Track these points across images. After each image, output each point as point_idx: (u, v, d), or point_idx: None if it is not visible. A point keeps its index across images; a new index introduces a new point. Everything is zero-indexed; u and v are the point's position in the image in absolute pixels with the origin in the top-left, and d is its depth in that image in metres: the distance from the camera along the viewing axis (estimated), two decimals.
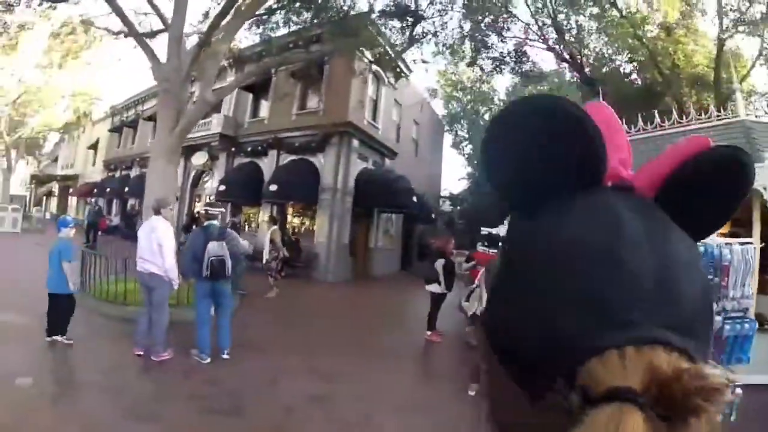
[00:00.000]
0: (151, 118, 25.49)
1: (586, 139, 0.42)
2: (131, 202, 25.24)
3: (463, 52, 18.07)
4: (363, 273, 16.84)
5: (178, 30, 10.13)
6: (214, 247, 5.65)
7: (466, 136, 35.72)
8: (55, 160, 44.74)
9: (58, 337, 5.82)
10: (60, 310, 5.88)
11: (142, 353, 5.67)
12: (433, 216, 21.61)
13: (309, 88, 17.01)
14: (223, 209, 7.28)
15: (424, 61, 15.93)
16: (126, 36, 12.88)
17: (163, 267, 5.68)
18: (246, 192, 16.12)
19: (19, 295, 8.41)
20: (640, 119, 9.28)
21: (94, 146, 34.13)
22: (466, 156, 36.84)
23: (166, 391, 4.91)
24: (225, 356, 5.86)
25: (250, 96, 18.77)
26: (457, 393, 5.28)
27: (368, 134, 16.70)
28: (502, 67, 18.85)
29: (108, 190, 26.94)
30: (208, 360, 5.68)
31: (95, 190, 29.51)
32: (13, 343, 5.78)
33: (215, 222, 6.08)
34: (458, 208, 29.88)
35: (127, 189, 24.55)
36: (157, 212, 5.96)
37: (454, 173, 68.09)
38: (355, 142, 15.83)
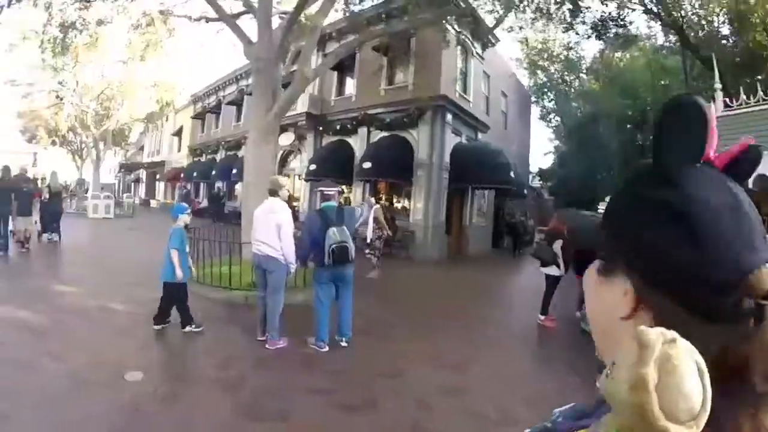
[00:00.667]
0: (233, 103, 26.20)
1: (710, 129, 0.60)
2: (218, 184, 26.04)
3: (561, 16, 17.03)
4: (457, 252, 16.59)
5: (267, 8, 10.15)
6: (334, 234, 5.25)
7: (554, 107, 34.18)
8: (141, 148, 47.15)
9: (188, 327, 5.79)
10: (174, 300, 5.82)
11: (264, 338, 5.55)
12: (525, 192, 20.84)
13: (396, 62, 16.68)
14: (339, 188, 6.52)
15: (519, 28, 15.19)
16: (207, 21, 12.95)
17: (280, 250, 5.45)
18: (337, 170, 16.08)
19: (118, 281, 8.71)
20: (741, 91, 8.35)
21: (178, 133, 35.60)
22: (554, 128, 35.39)
23: (287, 385, 4.53)
24: (344, 344, 5.58)
25: (335, 73, 18.60)
26: (583, 384, 4.73)
27: (461, 107, 16.25)
28: (602, 31, 17.59)
29: (195, 174, 28.01)
30: (326, 349, 5.40)
31: (182, 175, 30.85)
32: (119, 334, 5.69)
33: (332, 203, 5.65)
34: (548, 183, 28.75)
35: (213, 172, 25.35)
36: (274, 194, 5.68)
37: (541, 147, 66.49)
38: (449, 116, 15.42)
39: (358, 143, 16.86)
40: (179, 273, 5.71)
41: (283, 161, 20.92)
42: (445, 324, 7.25)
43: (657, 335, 0.47)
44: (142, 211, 30.36)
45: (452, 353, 5.74)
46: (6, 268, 9.87)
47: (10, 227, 11.18)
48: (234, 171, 22.26)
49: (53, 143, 43.61)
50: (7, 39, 33.76)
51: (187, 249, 6.03)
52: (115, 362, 4.67)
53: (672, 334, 0.47)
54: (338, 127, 17.56)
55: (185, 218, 5.96)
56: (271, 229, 5.44)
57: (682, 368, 0.45)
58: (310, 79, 9.76)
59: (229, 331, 6.06)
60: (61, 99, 30.00)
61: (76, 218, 22.83)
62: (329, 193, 5.78)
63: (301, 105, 18.34)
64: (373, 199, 12.66)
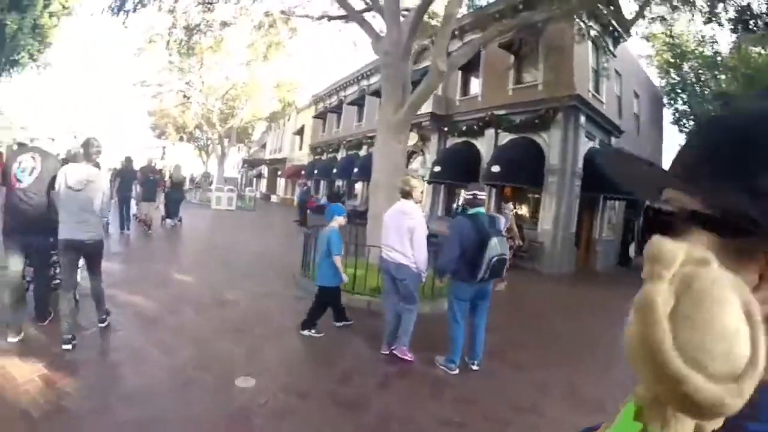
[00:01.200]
0: (354, 103, 27.13)
1: None
2: (337, 183, 27.01)
3: (705, 4, 15.81)
4: (585, 266, 15.94)
5: (394, 2, 9.98)
6: (496, 245, 4.71)
7: (687, 110, 31.94)
8: (264, 145, 50.29)
9: (307, 332, 5.68)
10: (329, 305, 5.83)
11: (387, 352, 5.28)
12: None
13: (524, 59, 16.27)
14: (485, 194, 6.15)
15: (662, 18, 14.23)
16: (329, 20, 13.25)
17: (412, 257, 5.07)
18: (462, 173, 16.01)
19: (236, 273, 9.08)
20: None
21: (299, 132, 37.59)
22: (687, 134, 33.08)
23: (414, 412, 4.11)
24: (474, 367, 5.12)
25: (459, 73, 18.59)
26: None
27: (594, 109, 15.47)
28: (749, 21, 16.11)
29: (315, 171, 29.52)
30: (456, 371, 4.97)
31: (302, 172, 32.49)
32: (232, 331, 5.65)
33: (482, 209, 5.10)
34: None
35: (334, 170, 26.40)
36: (407, 195, 5.22)
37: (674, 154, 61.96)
38: (582, 118, 14.73)
39: (484, 145, 16.78)
40: (344, 277, 5.72)
41: (406, 162, 21.40)
42: (580, 351, 6.56)
43: (677, 247, 0.37)
44: (262, 205, 32.61)
45: (591, 388, 5.05)
46: (129, 249, 10.80)
47: (133, 210, 13.33)
48: (355, 170, 23.12)
49: (181, 139, 47.67)
50: (136, 43, 36.89)
51: (342, 251, 5.79)
52: (226, 363, 4.62)
53: (705, 253, 0.37)
54: (464, 128, 17.60)
55: (341, 220, 5.82)
56: (403, 235, 5.07)
57: (715, 296, 0.34)
58: (444, 72, 9.12)
59: (349, 340, 5.76)
60: (188, 98, 32.78)
61: (200, 208, 24.81)
62: (481, 197, 5.14)
63: (426, 105, 18.56)
64: (510, 205, 12.53)
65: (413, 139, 19.59)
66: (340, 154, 28.44)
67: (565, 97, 14.04)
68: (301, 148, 37.58)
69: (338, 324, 6.06)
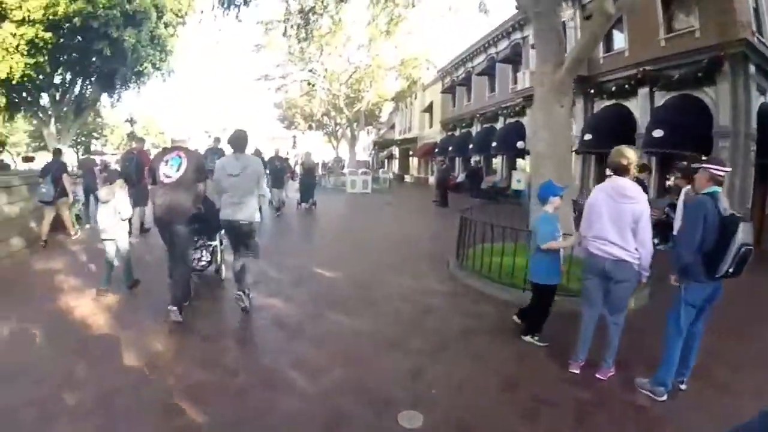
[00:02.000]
0: (484, 73, 26.85)
1: None
2: (475, 158, 26.96)
3: None
4: (756, 246, 13.30)
5: None
6: (744, 232, 3.71)
7: None
8: (392, 126, 51.56)
9: (529, 338, 5.02)
10: (546, 304, 4.96)
11: (578, 371, 4.37)
12: None
13: (674, 2, 14.71)
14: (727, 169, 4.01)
15: None
16: None
17: (635, 252, 4.13)
18: (615, 141, 14.66)
19: (379, 262, 8.64)
20: None
21: (428, 109, 38.13)
22: None
23: None
24: (683, 387, 4.17)
25: (573, 38, 17.62)
26: None
27: (763, 55, 13.42)
28: None
29: (450, 148, 29.80)
30: (665, 397, 3.97)
31: (436, 150, 33.08)
32: (386, 344, 4.87)
33: (719, 189, 3.90)
34: None
35: (471, 146, 26.34)
36: (623, 171, 4.16)
37: None
38: (752, 68, 12.94)
39: (638, 107, 15.74)
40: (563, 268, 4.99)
41: None
42: None
43: None
44: (396, 186, 33.49)
45: None
46: (263, 239, 8.78)
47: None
48: (493, 144, 22.97)
49: (309, 127, 50.27)
50: (253, 40, 38.78)
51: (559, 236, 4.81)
52: (384, 389, 3.94)
53: None
54: (613, 89, 16.66)
55: (556, 201, 4.86)
56: (624, 223, 4.12)
57: None
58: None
59: (529, 353, 4.78)
60: (313, 86, 34.21)
61: (335, 193, 26.06)
62: (721, 174, 3.88)
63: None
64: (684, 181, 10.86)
65: None
66: (475, 129, 28.54)
67: (732, 43, 12.58)
68: (431, 126, 38.04)
69: (526, 337, 5.07)
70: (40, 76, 22.34)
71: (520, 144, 21.09)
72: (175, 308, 5.25)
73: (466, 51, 30.67)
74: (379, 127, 56.68)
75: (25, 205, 9.47)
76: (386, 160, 52.99)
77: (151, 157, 8.25)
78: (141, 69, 23.31)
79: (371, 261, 8.80)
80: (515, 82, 23.64)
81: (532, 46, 20.76)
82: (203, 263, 7.14)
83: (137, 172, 10.24)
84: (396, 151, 49.52)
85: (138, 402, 3.61)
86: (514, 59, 23.80)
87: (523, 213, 9.38)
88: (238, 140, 5.62)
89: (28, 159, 38.20)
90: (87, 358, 4.34)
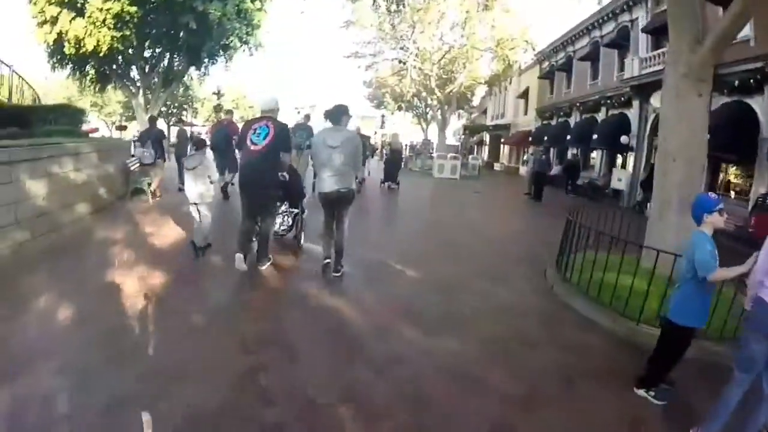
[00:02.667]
0: (586, 58, 25.15)
1: None
2: (572, 151, 25.46)
3: None
4: None
5: None
6: None
7: None
8: (484, 111, 50.08)
9: (643, 392, 3.87)
10: (678, 348, 3.81)
11: None
12: None
13: None
14: None
15: None
16: None
17: None
18: (735, 143, 13.40)
19: (470, 266, 7.66)
20: None
21: (523, 95, 36.64)
22: None
23: None
24: None
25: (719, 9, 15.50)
26: None
27: None
28: None
29: (545, 138, 28.42)
30: None
31: (530, 139, 31.86)
32: (477, 392, 3.76)
33: None
34: None
35: (569, 137, 24.81)
36: None
37: None
38: None
39: (763, 106, 13.80)
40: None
41: (655, 127, 18.96)
42: None
43: None
44: (486, 173, 32.26)
45: None
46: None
47: None
48: (594, 137, 21.34)
49: (399, 108, 49.74)
50: (342, 17, 38.89)
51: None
52: None
53: None
54: (736, 84, 14.68)
55: (715, 219, 3.58)
56: None
57: None
58: None
59: (643, 413, 3.64)
60: (404, 64, 33.37)
61: (421, 177, 25.60)
62: None
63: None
64: None
65: (655, 101, 17.26)
66: (573, 119, 26.85)
67: None
68: (526, 113, 36.46)
69: (639, 391, 3.90)
70: (130, 50, 23.30)
71: (624, 139, 19.43)
72: (264, 265, 6.31)
73: (568, 33, 28.67)
74: (471, 111, 55.27)
75: (93, 172, 9.86)
76: (475, 146, 51.73)
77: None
78: (227, 43, 23.81)
79: (457, 261, 7.86)
80: (621, 69, 21.78)
81: (642, 30, 19.08)
82: (284, 228, 7.71)
83: (226, 141, 11.19)
84: (486, 137, 48.10)
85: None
86: (621, 44, 21.83)
87: (630, 217, 8.67)
88: (338, 113, 5.93)
89: (121, 128, 40.50)
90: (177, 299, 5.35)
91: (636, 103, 19.48)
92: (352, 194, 6.09)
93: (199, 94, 50.87)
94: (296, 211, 7.72)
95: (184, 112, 51.67)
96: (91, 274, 5.91)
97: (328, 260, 6.28)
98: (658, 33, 18.51)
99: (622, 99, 20.64)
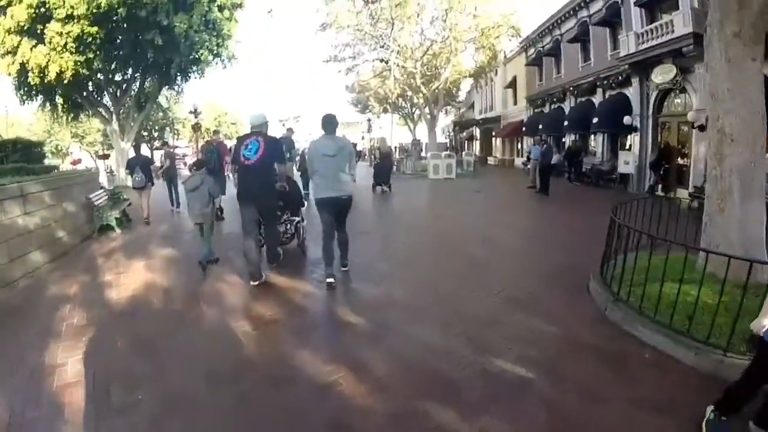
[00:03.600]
0: (576, 40, 24.22)
1: None
2: (571, 137, 24.38)
3: None
4: None
5: None
6: None
7: None
8: (471, 106, 48.91)
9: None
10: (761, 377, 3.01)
11: None
12: None
13: None
14: None
15: None
16: None
17: None
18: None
19: (484, 288, 6.19)
20: None
21: (511, 85, 35.96)
22: None
23: None
24: None
25: None
26: None
27: None
28: None
29: (540, 126, 27.42)
30: None
31: (523, 129, 30.98)
32: None
33: None
34: None
35: (566, 123, 23.95)
36: None
37: None
38: None
39: None
40: None
41: (660, 104, 17.88)
42: None
43: None
44: (480, 169, 31.15)
45: None
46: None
47: None
48: (594, 120, 20.32)
49: (384, 110, 48.53)
50: (317, 22, 37.75)
51: None
52: None
53: None
54: None
55: None
56: None
57: None
58: None
59: None
60: (386, 63, 32.30)
61: (415, 179, 24.48)
62: None
63: (681, 23, 15.10)
64: None
65: (668, 72, 16.29)
66: (568, 104, 25.87)
67: None
68: (515, 103, 35.52)
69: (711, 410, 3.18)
70: (99, 75, 22.17)
71: (627, 120, 18.43)
72: (263, 275, 6.54)
73: (553, 16, 27.56)
74: (459, 106, 54.21)
75: (48, 213, 8.75)
76: (466, 142, 50.74)
77: (229, 147, 9.88)
78: (197, 56, 22.53)
79: (476, 284, 6.35)
80: (615, 47, 20.76)
81: (635, 3, 18.04)
82: (287, 236, 8.00)
83: (219, 161, 11.46)
84: (477, 131, 47.06)
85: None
86: (612, 21, 20.81)
87: (659, 206, 7.18)
88: (330, 123, 6.23)
89: (103, 156, 39.49)
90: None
91: (635, 81, 18.47)
92: (350, 200, 6.47)
93: (179, 115, 49.66)
94: (297, 219, 8.09)
95: (167, 135, 50.49)
96: (32, 350, 4.69)
97: (331, 280, 6.31)
98: (651, 5, 17.58)
99: (620, 78, 19.61)
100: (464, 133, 50.43)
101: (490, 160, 40.31)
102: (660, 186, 16.45)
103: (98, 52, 20.15)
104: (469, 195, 17.76)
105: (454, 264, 7.56)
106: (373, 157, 25.99)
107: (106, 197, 11.96)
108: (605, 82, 20.93)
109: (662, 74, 16.56)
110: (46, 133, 47.86)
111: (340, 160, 6.12)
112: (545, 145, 17.82)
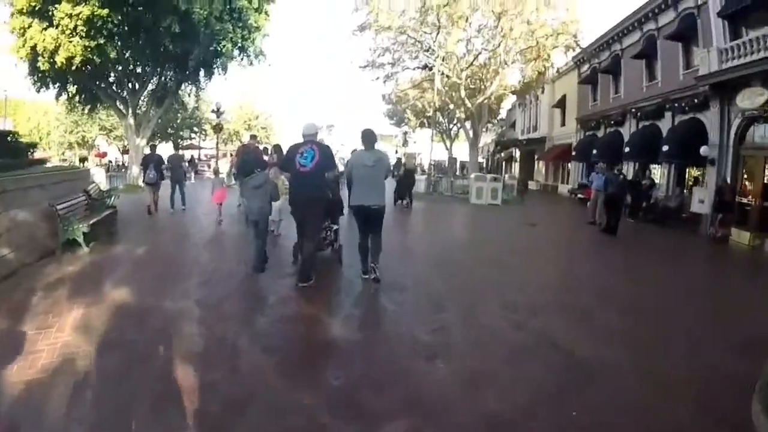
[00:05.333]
0: (640, 56, 22.00)
1: None
2: (628, 166, 21.95)
3: None
4: None
5: None
6: None
7: None
8: (513, 125, 46.53)
9: None
10: None
11: None
12: None
13: None
14: None
15: None
16: None
17: None
18: None
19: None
20: None
21: (560, 104, 33.68)
22: None
23: None
24: None
25: None
26: None
27: None
28: None
29: (594, 151, 24.91)
30: None
31: (573, 153, 28.86)
32: None
33: None
34: None
35: (627, 149, 21.61)
36: None
37: None
38: None
39: None
40: None
41: (743, 133, 15.32)
42: None
43: None
44: (524, 195, 28.35)
45: None
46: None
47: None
48: (665, 148, 17.77)
49: (421, 125, 46.66)
50: (356, 22, 36.25)
51: None
52: None
53: None
54: None
55: None
56: None
57: None
58: None
59: None
60: (430, 69, 29.89)
61: (455, 203, 22.43)
62: None
63: None
64: None
65: (757, 96, 13.91)
66: (627, 128, 23.31)
67: None
68: (563, 124, 33.24)
69: None
70: (117, 65, 20.81)
71: (704, 150, 15.90)
72: (304, 284, 6.67)
73: (613, 29, 25.21)
74: (502, 125, 51.69)
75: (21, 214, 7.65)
76: (504, 163, 48.41)
77: (265, 155, 11.62)
78: (219, 48, 20.66)
79: (553, 376, 4.23)
80: (688, 66, 18.39)
81: (718, 14, 15.73)
82: (327, 242, 8.25)
83: (257, 166, 11.20)
84: (517, 153, 44.65)
85: None
86: (686, 35, 18.35)
87: None
88: (370, 137, 7.10)
89: (126, 151, 38.56)
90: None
91: (715, 106, 15.96)
92: (383, 210, 7.05)
93: (208, 115, 48.43)
94: (336, 226, 8.45)
95: (193, 134, 49.29)
96: None
97: (366, 276, 7.11)
98: (737, 17, 15.18)
99: (695, 101, 17.07)
100: (503, 154, 48.12)
101: (531, 185, 37.54)
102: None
103: (111, 39, 18.73)
104: (522, 230, 15.15)
105: (529, 366, 4.51)
106: (395, 172, 24.01)
107: (84, 202, 10.08)
108: (676, 105, 18.43)
109: (750, 98, 14.14)
110: (73, 123, 47.14)
111: (378, 170, 6.84)
112: (619, 175, 15.27)
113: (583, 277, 9.07)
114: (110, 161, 35.30)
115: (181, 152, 29.10)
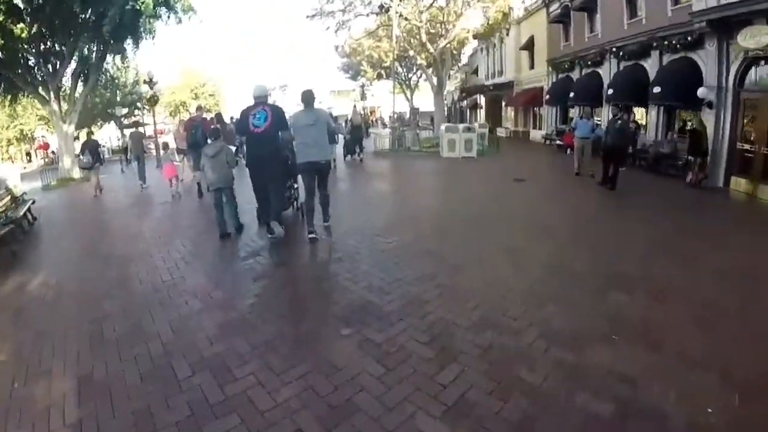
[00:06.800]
0: None
1: None
2: (612, 109, 20.61)
3: None
4: None
5: None
6: None
7: None
8: (475, 71, 44.97)
9: None
10: None
11: None
12: None
13: None
14: None
15: None
16: None
17: None
18: None
19: None
20: None
21: (528, 46, 32.22)
22: None
23: None
24: None
25: None
26: None
27: None
28: None
29: (572, 95, 23.91)
30: None
31: (547, 97, 27.98)
32: None
33: None
34: None
35: (609, 91, 20.46)
36: None
37: None
38: None
39: None
40: None
41: (743, 74, 14.24)
42: None
43: None
44: (500, 144, 27.11)
45: None
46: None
47: None
48: (656, 90, 16.62)
49: (378, 76, 44.78)
50: None
51: None
52: None
53: None
54: None
55: None
56: None
57: None
58: None
59: None
60: (387, 11, 28.16)
61: (425, 159, 21.08)
62: None
63: None
64: None
65: (765, 34, 12.86)
66: (608, 68, 22.09)
67: None
68: (532, 67, 32.09)
69: None
70: (30, 48, 18.65)
71: (702, 92, 14.84)
72: (276, 222, 7.45)
73: None
74: (465, 70, 49.95)
75: None
76: (469, 110, 47.14)
77: (212, 125, 10.89)
78: (138, 6, 18.12)
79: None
80: (676, 1, 17.10)
81: None
82: (291, 200, 9.34)
83: (204, 138, 11.10)
84: (482, 99, 43.29)
85: None
86: None
87: None
88: (308, 98, 7.54)
89: (77, 137, 36.40)
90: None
91: (711, 45, 14.83)
92: (328, 165, 7.89)
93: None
94: (296, 185, 9.20)
95: (137, 111, 46.22)
96: None
97: (312, 235, 7.62)
98: None
99: (688, 39, 15.91)
100: (466, 102, 46.75)
101: (500, 131, 36.47)
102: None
103: (13, 15, 16.90)
104: (513, 188, 13.71)
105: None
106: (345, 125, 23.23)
107: None
108: (666, 42, 17.29)
109: (755, 37, 13.07)
110: (9, 118, 43.41)
111: (319, 128, 7.35)
112: (619, 121, 14.12)
113: (601, 249, 7.59)
114: (53, 152, 32.51)
115: (141, 129, 27.61)
